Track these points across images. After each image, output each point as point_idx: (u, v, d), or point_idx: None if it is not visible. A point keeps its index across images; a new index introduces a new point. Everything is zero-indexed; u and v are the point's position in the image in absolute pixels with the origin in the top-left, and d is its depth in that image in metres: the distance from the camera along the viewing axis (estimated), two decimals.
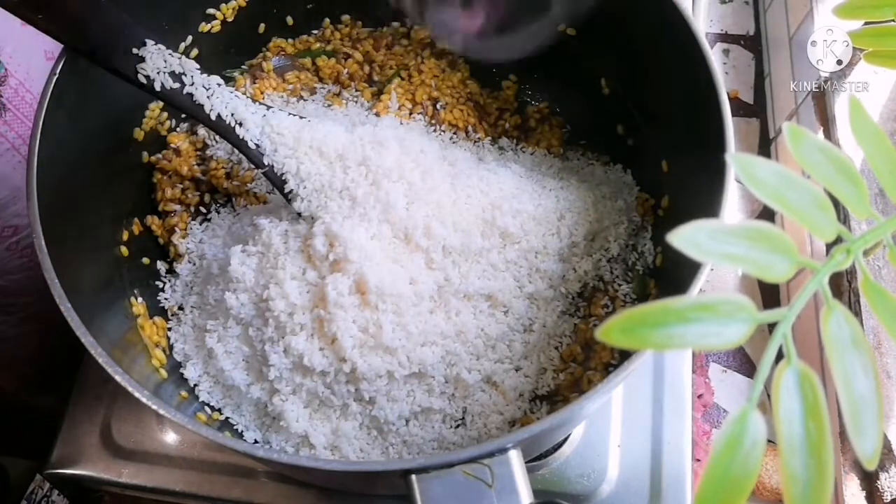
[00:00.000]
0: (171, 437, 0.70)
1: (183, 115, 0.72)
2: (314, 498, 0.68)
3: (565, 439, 0.66)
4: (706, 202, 0.51)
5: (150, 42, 0.58)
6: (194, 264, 0.70)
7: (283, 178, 0.62)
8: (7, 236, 0.76)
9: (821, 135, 0.78)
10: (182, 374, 0.65)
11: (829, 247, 0.30)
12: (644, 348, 0.26)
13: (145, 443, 0.70)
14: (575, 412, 0.47)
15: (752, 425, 0.25)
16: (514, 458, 0.44)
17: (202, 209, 0.72)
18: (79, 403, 0.73)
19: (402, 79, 0.77)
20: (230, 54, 0.76)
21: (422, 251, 0.62)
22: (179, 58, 0.59)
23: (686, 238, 0.26)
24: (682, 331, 0.25)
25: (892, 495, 0.62)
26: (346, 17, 0.79)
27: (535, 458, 0.66)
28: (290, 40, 0.78)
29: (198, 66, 0.61)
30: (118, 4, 0.56)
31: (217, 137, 0.70)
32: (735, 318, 0.26)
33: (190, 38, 0.70)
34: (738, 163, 0.29)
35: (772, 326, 0.27)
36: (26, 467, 0.75)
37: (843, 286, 0.69)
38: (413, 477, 0.43)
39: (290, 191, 0.62)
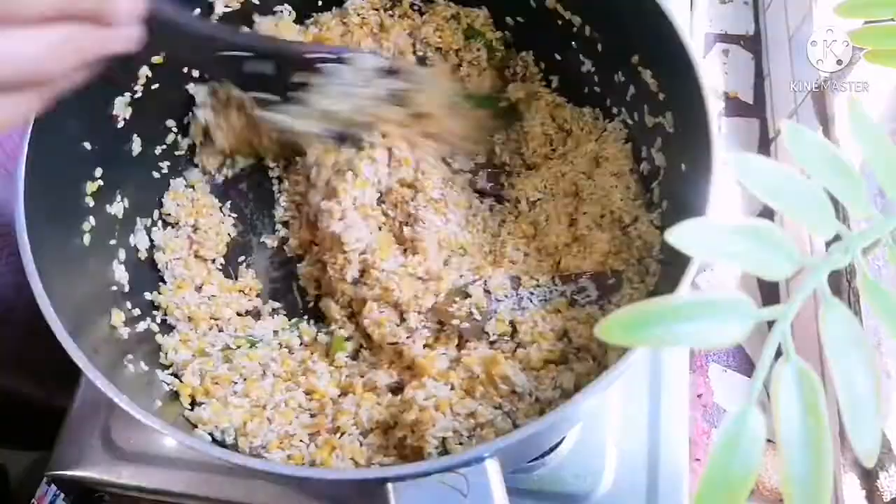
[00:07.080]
0: (170, 439, 0.70)
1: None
2: (313, 499, 0.68)
3: (561, 440, 0.66)
4: (694, 200, 0.51)
5: None
6: None
7: None
8: None
9: (820, 134, 0.78)
10: None
11: (828, 245, 0.30)
12: (643, 346, 0.26)
13: (145, 444, 0.70)
14: (563, 415, 0.46)
15: (750, 424, 0.25)
16: (491, 467, 0.43)
17: None
18: (79, 405, 0.72)
19: None
20: None
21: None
22: None
23: (685, 236, 0.26)
24: (680, 328, 0.25)
25: (891, 494, 0.62)
26: None
27: (532, 459, 0.66)
28: None
29: None
30: None
31: None
32: (734, 315, 0.26)
33: None
34: (737, 162, 0.29)
35: (772, 326, 0.27)
36: (26, 467, 0.74)
37: (843, 285, 0.69)
38: (389, 485, 0.43)
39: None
